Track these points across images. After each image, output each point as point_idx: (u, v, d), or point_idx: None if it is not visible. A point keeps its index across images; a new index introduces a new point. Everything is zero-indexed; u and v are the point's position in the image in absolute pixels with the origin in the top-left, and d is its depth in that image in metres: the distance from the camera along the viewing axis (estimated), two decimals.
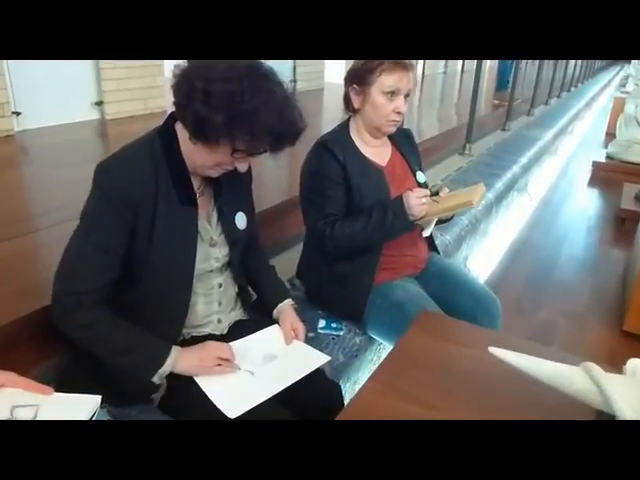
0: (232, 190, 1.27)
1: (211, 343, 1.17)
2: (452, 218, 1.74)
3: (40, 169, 2.71)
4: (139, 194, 1.08)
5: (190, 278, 1.18)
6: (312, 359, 1.30)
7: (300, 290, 1.83)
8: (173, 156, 1.12)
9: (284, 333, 1.34)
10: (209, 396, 1.08)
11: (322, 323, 1.65)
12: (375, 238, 1.56)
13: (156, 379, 1.11)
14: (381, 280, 1.64)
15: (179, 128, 1.11)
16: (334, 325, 1.65)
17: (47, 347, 1.30)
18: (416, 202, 1.48)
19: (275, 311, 1.39)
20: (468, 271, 2.43)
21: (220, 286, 1.28)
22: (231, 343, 1.22)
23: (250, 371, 1.18)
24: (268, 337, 1.32)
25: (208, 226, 1.23)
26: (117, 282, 1.12)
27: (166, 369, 1.11)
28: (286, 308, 1.39)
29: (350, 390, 1.70)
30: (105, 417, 1.14)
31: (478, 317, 1.61)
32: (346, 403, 1.67)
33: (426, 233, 1.65)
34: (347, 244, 1.56)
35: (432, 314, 1.42)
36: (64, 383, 1.24)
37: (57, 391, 1.28)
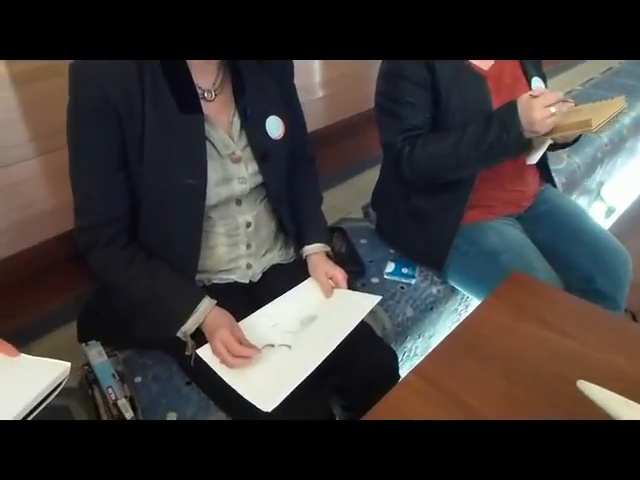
0: (260, 87, 0.98)
1: (219, 337, 0.90)
2: (574, 143, 1.27)
3: None
4: (117, 97, 0.84)
5: (200, 207, 0.94)
6: (357, 307, 1.01)
7: (373, 222, 1.54)
8: None
9: (321, 285, 1.07)
10: (238, 391, 0.85)
11: (390, 267, 1.36)
12: (470, 162, 1.16)
13: (180, 335, 0.94)
14: (471, 220, 1.29)
15: None
16: (405, 271, 1.35)
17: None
18: (542, 115, 1.04)
19: (303, 253, 1.12)
20: (593, 212, 1.94)
21: (248, 225, 1.03)
22: (258, 312, 1.00)
23: (287, 345, 0.94)
24: (302, 295, 1.06)
25: (227, 138, 0.96)
26: None
27: (190, 327, 0.93)
28: (317, 255, 1.11)
29: (423, 346, 1.43)
30: (113, 368, 1.00)
31: (596, 279, 1.22)
32: (418, 361, 1.42)
33: (531, 160, 1.21)
34: (429, 167, 1.20)
35: (526, 278, 1.03)
36: (85, 319, 1.13)
37: (80, 326, 1.19)
